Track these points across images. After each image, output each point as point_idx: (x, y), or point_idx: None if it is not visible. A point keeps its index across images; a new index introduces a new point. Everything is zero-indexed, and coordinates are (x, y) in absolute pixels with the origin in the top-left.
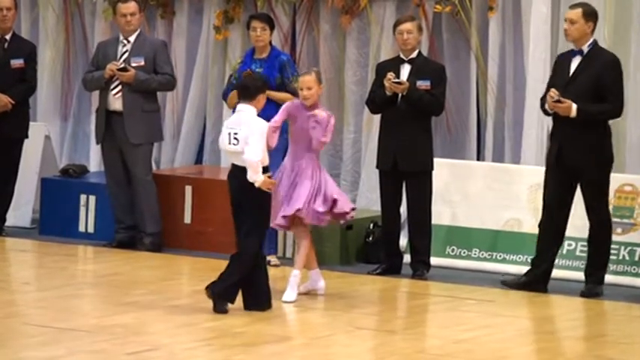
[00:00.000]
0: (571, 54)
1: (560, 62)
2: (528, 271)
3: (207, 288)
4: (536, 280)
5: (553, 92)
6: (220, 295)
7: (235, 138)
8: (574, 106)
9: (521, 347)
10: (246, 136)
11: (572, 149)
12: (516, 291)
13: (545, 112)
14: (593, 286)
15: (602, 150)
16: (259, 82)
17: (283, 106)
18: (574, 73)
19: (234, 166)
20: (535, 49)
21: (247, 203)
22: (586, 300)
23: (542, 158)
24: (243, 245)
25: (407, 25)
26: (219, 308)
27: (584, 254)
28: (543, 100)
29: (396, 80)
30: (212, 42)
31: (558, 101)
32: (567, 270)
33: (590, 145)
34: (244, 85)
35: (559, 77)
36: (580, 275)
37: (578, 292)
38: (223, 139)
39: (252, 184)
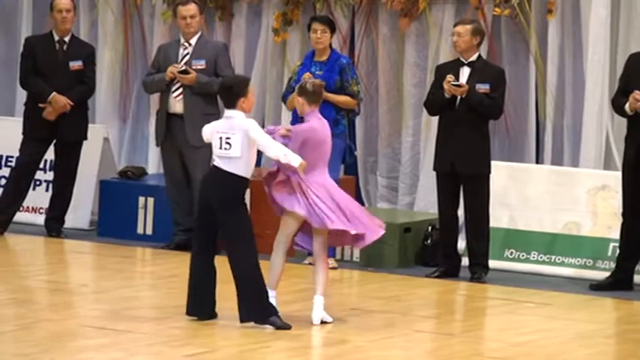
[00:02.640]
0: None
1: (635, 63)
2: (614, 272)
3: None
4: (623, 280)
5: (638, 95)
6: (262, 318)
7: (227, 143)
8: None
9: (580, 351)
10: (245, 139)
11: None
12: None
13: (621, 114)
14: None
15: None
16: (241, 85)
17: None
18: None
19: (217, 170)
20: (594, 52)
21: (232, 210)
22: None
23: (602, 161)
24: (241, 257)
25: (458, 28)
26: (280, 325)
27: None
28: (615, 101)
29: (456, 83)
30: (271, 44)
31: None
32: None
33: None
34: (223, 89)
35: (637, 78)
36: None
37: None
38: (215, 143)
39: (236, 191)
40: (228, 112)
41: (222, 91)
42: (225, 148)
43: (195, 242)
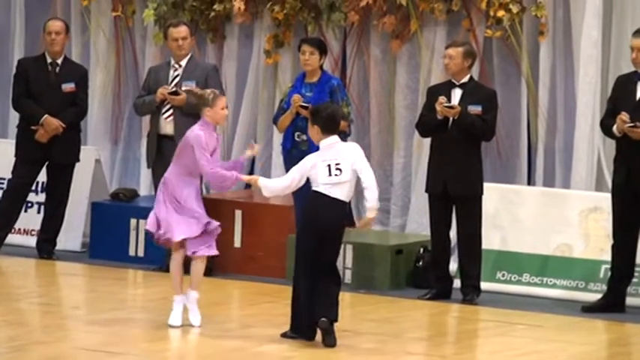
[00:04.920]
0: (635, 77)
1: (623, 85)
2: (606, 294)
3: (320, 322)
4: (614, 302)
5: (625, 116)
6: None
7: (338, 168)
8: None
9: None
10: (355, 164)
11: None
12: (571, 317)
13: (610, 135)
14: None
15: None
16: (338, 111)
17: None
18: None
19: (327, 197)
20: (585, 73)
21: (338, 236)
22: (636, 325)
23: (593, 183)
24: (332, 269)
25: (449, 51)
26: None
27: None
28: (604, 123)
29: (448, 104)
30: (262, 66)
31: (634, 126)
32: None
33: None
34: (330, 117)
35: (624, 100)
36: None
37: None
38: (321, 172)
39: (347, 217)
40: (330, 139)
41: (328, 120)
42: (336, 174)
43: (303, 265)
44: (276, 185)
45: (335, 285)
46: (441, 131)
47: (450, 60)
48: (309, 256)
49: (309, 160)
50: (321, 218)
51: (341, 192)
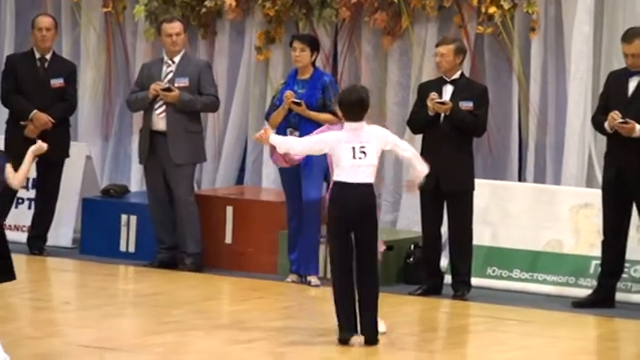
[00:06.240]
0: (627, 73)
1: (615, 81)
2: (596, 289)
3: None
4: (604, 297)
5: (616, 114)
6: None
7: (362, 152)
8: (637, 127)
9: None
10: (387, 145)
11: (632, 169)
12: (561, 312)
13: (601, 132)
14: None
15: None
16: (366, 97)
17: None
18: (634, 93)
19: (353, 184)
20: (576, 69)
21: (372, 222)
22: (626, 320)
23: (584, 179)
24: (373, 274)
25: (440, 49)
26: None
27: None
28: (596, 119)
29: (440, 100)
30: (253, 62)
31: (625, 122)
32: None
33: None
34: (354, 103)
35: (616, 96)
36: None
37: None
38: (344, 155)
39: (375, 201)
40: (354, 124)
41: (356, 104)
42: (360, 158)
43: (342, 261)
44: (292, 144)
45: (373, 297)
46: (432, 127)
47: (442, 58)
48: (344, 252)
49: (332, 135)
50: (349, 207)
51: (364, 175)
